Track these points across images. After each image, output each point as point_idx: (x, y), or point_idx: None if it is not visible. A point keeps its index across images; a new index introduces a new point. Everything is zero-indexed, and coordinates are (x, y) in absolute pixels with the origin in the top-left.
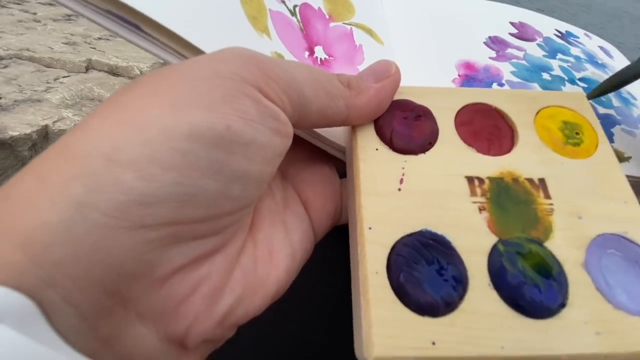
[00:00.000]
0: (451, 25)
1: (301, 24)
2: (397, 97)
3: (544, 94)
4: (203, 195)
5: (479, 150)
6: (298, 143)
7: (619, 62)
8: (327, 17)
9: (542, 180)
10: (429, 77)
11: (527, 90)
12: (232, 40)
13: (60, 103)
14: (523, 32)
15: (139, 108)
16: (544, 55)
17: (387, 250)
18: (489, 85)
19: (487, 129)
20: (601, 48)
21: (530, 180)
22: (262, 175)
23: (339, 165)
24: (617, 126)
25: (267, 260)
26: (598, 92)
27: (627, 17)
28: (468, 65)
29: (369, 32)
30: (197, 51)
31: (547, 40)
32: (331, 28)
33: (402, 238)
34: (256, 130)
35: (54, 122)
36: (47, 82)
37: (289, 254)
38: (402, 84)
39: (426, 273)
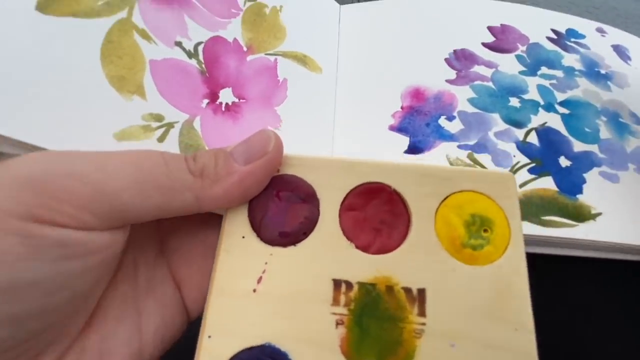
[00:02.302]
0: (414, 38)
1: (203, 65)
2: (283, 168)
3: (462, 173)
4: None
5: (359, 246)
6: None
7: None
8: (245, 49)
9: (421, 292)
10: (366, 112)
11: (442, 167)
12: (78, 120)
13: None
14: (501, 41)
15: None
16: (521, 72)
17: None
18: (436, 119)
19: (379, 215)
20: (615, 48)
21: (408, 290)
22: (49, 306)
23: None
24: (595, 169)
25: None
26: None
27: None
28: (416, 93)
29: (302, 59)
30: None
31: (532, 48)
32: (248, 62)
33: (241, 352)
34: (21, 270)
35: None
36: None
37: (131, 353)
38: (337, 119)
39: None
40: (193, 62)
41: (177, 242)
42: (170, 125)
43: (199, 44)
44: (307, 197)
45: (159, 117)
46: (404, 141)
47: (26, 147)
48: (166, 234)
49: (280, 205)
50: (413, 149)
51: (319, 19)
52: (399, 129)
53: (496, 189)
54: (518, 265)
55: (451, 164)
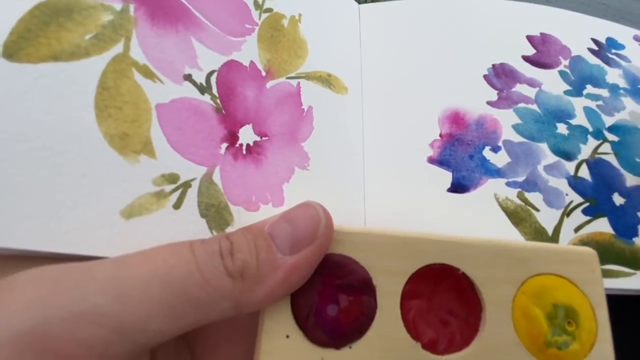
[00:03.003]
0: (446, 48)
1: (218, 100)
2: (332, 246)
3: (539, 251)
4: None
5: (426, 345)
6: None
7: None
8: (264, 73)
9: None
10: (399, 140)
11: (515, 244)
12: (72, 203)
13: None
14: (543, 53)
15: None
16: (566, 92)
17: None
18: (480, 150)
19: (447, 304)
20: None
21: None
22: None
23: None
24: None
25: None
26: None
27: None
28: (456, 118)
29: (326, 80)
30: None
31: (575, 61)
32: (268, 90)
33: None
34: None
35: None
36: None
37: None
38: (367, 148)
39: None
40: (206, 98)
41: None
42: (187, 185)
43: (211, 73)
44: (361, 285)
45: (173, 178)
46: (446, 176)
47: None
48: None
49: (331, 297)
50: (457, 187)
51: (339, 25)
52: (440, 161)
53: (578, 271)
54: None
55: (500, 204)
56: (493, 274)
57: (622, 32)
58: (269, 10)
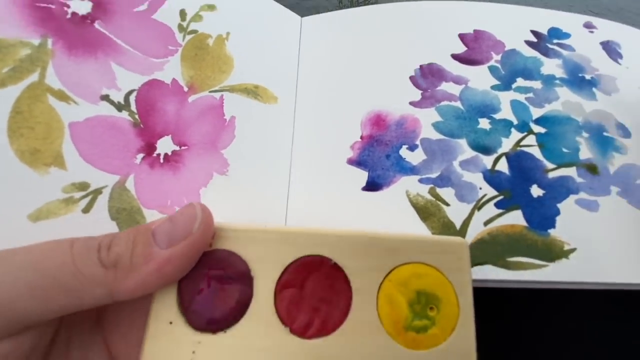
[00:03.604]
0: (379, 53)
1: (137, 116)
2: (217, 242)
3: (409, 242)
4: None
5: (295, 330)
6: None
7: (633, 62)
8: (186, 89)
9: None
10: (324, 144)
11: (387, 235)
12: None
13: None
14: (474, 50)
15: None
16: (493, 86)
17: None
18: (397, 149)
19: (319, 293)
20: (605, 45)
21: None
22: None
23: None
24: (572, 197)
25: None
26: None
27: None
28: (377, 120)
29: (252, 92)
30: None
31: (507, 56)
32: (189, 104)
33: None
34: None
35: None
36: None
37: None
38: (294, 155)
39: None
40: (124, 114)
41: (115, 313)
42: (97, 192)
43: (130, 92)
44: (239, 276)
45: (83, 186)
46: (363, 176)
47: None
48: (100, 308)
49: (210, 287)
50: (371, 186)
51: (276, 40)
52: (358, 162)
53: (445, 259)
54: (467, 349)
55: (411, 201)
56: (363, 264)
57: (570, 21)
58: (194, 32)
